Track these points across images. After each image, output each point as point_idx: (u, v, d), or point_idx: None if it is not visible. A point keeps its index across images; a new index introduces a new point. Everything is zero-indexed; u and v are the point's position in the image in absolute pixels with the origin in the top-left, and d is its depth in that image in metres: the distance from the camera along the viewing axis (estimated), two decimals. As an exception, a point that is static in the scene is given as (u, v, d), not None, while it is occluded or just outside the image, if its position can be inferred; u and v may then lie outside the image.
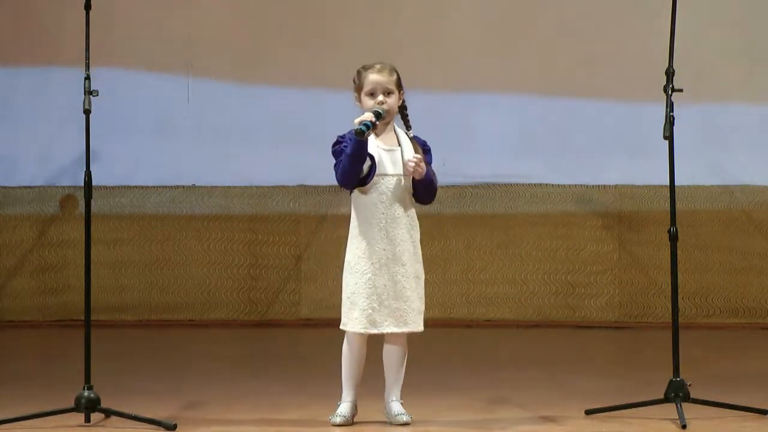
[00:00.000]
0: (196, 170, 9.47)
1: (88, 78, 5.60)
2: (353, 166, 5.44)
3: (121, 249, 9.44)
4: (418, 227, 5.58)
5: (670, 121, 5.64)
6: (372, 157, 5.47)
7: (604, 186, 9.28)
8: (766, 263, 9.10)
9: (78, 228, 8.77)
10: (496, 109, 9.28)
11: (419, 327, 5.54)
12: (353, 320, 5.49)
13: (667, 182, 5.75)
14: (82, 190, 5.59)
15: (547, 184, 9.30)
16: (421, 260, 5.57)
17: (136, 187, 9.49)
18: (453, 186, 9.27)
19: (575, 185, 9.28)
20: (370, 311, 5.46)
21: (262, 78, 9.43)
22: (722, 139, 9.16)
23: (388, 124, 5.58)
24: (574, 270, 9.24)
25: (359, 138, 5.36)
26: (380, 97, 5.51)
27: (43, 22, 9.49)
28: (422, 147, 5.62)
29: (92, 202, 5.64)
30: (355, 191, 5.54)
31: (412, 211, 5.57)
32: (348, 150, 5.43)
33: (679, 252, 5.78)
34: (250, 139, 9.38)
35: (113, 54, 9.07)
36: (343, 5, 9.43)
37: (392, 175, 5.53)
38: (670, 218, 5.73)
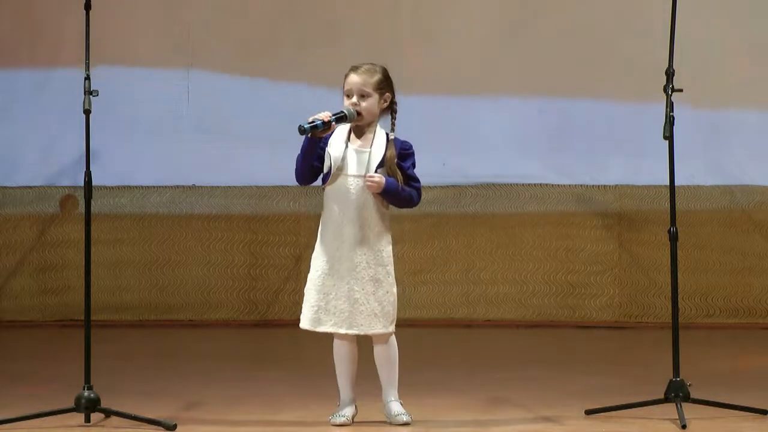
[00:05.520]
0: (196, 170, 9.46)
1: (88, 78, 5.61)
2: (302, 161, 5.54)
3: (121, 249, 9.43)
4: (386, 230, 5.50)
5: (670, 121, 5.64)
6: (330, 156, 5.49)
7: (604, 186, 9.27)
8: (766, 263, 9.10)
9: (78, 228, 8.77)
10: (497, 109, 9.27)
11: (372, 330, 5.46)
12: (303, 316, 5.54)
13: (667, 182, 5.76)
14: (82, 190, 5.60)
15: (547, 184, 9.29)
16: (386, 263, 5.48)
17: (136, 187, 9.49)
18: (453, 186, 9.27)
19: (575, 185, 9.27)
20: (315, 309, 5.49)
21: (263, 77, 9.43)
22: (722, 139, 9.15)
23: (371, 124, 5.56)
24: (574, 270, 9.23)
25: (300, 133, 5.42)
26: (353, 99, 5.52)
27: (43, 23, 9.48)
28: (402, 150, 5.54)
29: (92, 202, 5.65)
30: (324, 189, 5.54)
31: (376, 213, 5.49)
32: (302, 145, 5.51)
33: (679, 252, 5.78)
34: (250, 138, 9.37)
35: (113, 54, 9.06)
36: (345, 5, 9.42)
37: (354, 176, 5.50)
38: (670, 218, 5.73)
